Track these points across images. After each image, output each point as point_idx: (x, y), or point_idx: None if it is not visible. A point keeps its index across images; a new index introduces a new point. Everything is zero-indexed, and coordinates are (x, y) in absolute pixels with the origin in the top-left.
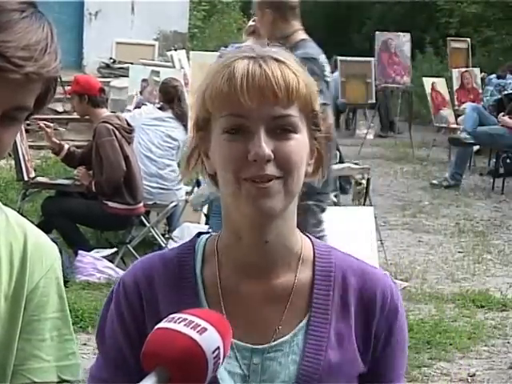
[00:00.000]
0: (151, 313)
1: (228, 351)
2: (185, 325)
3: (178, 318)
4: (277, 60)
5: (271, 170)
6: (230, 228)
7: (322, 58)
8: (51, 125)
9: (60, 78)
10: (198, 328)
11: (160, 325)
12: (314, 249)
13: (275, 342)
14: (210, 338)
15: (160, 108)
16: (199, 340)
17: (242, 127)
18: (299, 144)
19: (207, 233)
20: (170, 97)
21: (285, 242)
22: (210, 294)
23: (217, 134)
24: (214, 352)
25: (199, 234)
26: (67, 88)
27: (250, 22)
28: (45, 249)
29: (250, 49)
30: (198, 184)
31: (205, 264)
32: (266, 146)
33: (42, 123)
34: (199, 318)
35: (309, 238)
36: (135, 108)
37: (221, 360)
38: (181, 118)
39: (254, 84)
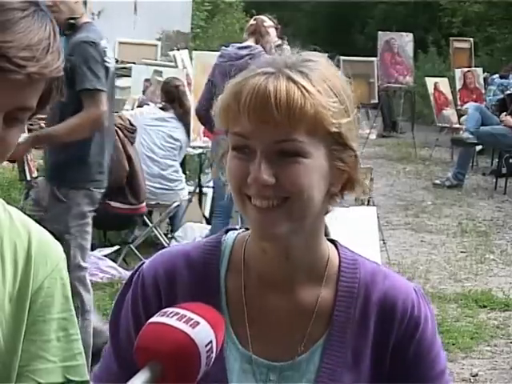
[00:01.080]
0: None
1: (220, 345)
2: (177, 319)
3: (171, 312)
4: (289, 78)
5: (271, 195)
6: (255, 240)
7: (104, 43)
8: None
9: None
10: (190, 322)
11: (152, 319)
12: (340, 261)
13: (293, 361)
14: (202, 332)
15: (162, 108)
16: (192, 334)
17: (246, 147)
18: (308, 168)
19: (234, 229)
20: (171, 96)
21: (308, 258)
22: (233, 304)
23: (230, 147)
24: (206, 346)
25: (227, 230)
26: None
27: (251, 21)
28: (49, 248)
29: (272, 60)
30: (200, 185)
31: (230, 271)
32: (266, 171)
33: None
34: (192, 312)
35: (336, 247)
36: (138, 107)
37: (213, 354)
38: (182, 118)
39: (255, 105)
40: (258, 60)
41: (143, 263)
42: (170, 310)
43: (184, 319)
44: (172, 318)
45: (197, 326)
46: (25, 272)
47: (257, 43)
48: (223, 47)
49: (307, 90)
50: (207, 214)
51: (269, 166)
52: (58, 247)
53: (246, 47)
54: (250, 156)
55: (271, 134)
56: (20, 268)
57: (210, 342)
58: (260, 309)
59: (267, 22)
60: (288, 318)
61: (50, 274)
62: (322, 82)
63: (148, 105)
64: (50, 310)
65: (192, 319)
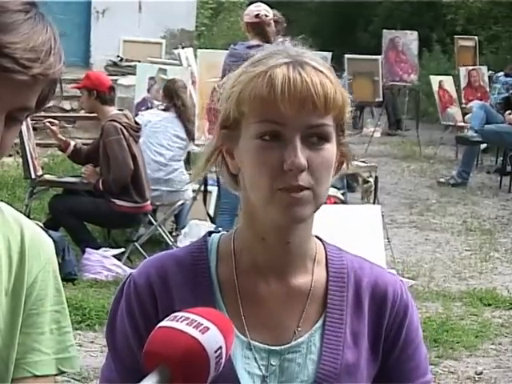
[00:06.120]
0: (165, 312)
1: (230, 351)
2: (187, 324)
3: (181, 317)
4: (314, 68)
5: (304, 180)
6: (253, 229)
7: None
8: (56, 122)
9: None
10: (200, 327)
11: (162, 323)
12: (325, 250)
13: (292, 343)
14: (212, 338)
15: (164, 109)
16: (201, 339)
17: (277, 134)
18: (330, 154)
19: (217, 232)
20: (169, 93)
21: (304, 243)
22: (227, 293)
23: (249, 137)
24: (216, 351)
25: (210, 232)
26: (71, 85)
27: (254, 19)
28: (41, 242)
29: (284, 51)
30: (206, 182)
31: (220, 263)
32: (303, 155)
33: (46, 121)
34: (202, 317)
35: (320, 240)
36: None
37: (223, 359)
38: (181, 116)
39: (295, 92)
40: (262, 50)
41: (130, 274)
42: (180, 314)
43: (194, 324)
44: (182, 322)
45: (206, 332)
46: (19, 266)
47: (263, 41)
48: (232, 46)
49: (332, 79)
50: (212, 212)
51: (303, 150)
52: (49, 241)
53: (255, 46)
54: (280, 143)
55: (307, 120)
56: (15, 262)
57: (220, 347)
58: (254, 295)
59: (269, 15)
60: (283, 302)
61: (43, 267)
62: (331, 71)
63: (151, 108)
64: (44, 302)
65: (202, 324)
